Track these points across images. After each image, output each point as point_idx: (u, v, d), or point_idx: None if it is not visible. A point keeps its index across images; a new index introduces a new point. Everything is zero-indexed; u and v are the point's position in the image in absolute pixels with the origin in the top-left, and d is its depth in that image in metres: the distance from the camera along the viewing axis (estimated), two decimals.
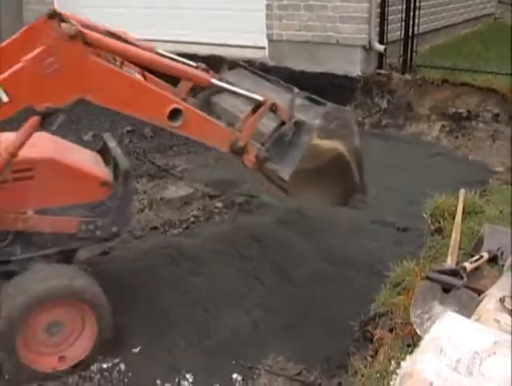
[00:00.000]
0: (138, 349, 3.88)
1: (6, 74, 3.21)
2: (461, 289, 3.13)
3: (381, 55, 8.09)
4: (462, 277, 3.18)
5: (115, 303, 3.85)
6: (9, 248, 3.67)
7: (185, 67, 3.77)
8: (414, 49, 8.11)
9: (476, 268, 3.43)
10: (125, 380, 3.64)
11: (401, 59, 8.07)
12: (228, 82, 4.09)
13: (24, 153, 3.39)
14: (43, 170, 3.63)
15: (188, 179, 6.39)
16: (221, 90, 4.04)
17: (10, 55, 3.65)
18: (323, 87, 8.06)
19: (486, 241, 3.75)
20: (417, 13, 7.99)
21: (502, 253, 3.61)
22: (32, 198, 3.61)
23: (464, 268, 3.31)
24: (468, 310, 2.91)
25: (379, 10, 7.90)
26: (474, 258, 3.50)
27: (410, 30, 8.02)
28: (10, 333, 3.43)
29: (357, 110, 8.04)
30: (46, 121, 3.37)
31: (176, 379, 3.60)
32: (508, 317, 2.66)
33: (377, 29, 7.96)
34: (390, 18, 8.01)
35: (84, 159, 4.11)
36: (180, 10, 9.83)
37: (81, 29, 3.27)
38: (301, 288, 4.47)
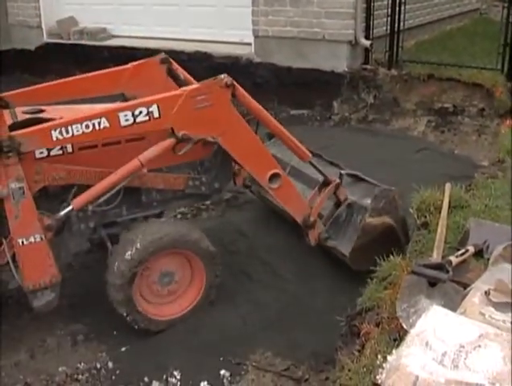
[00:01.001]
0: (125, 347, 3.88)
1: (165, 95, 3.72)
2: (447, 283, 3.14)
3: (367, 51, 8.10)
4: (448, 271, 3.19)
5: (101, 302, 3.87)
6: (116, 210, 3.99)
7: (293, 138, 4.27)
8: (400, 44, 8.12)
9: (462, 262, 3.44)
10: (113, 378, 3.64)
11: (387, 54, 8.09)
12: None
13: None
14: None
15: None
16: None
17: (123, 80, 4.52)
18: (309, 83, 8.10)
19: (472, 235, 3.77)
20: (403, 8, 8.00)
21: (488, 247, 3.63)
22: None
23: (450, 262, 3.32)
24: (453, 303, 2.92)
25: (365, 5, 7.92)
26: (460, 252, 3.51)
27: (396, 25, 8.03)
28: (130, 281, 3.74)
29: (344, 106, 8.05)
30: (178, 145, 3.76)
31: (164, 376, 3.60)
32: (493, 310, 2.67)
33: (363, 24, 7.97)
34: (375, 13, 8.02)
35: None
36: (166, 6, 9.83)
37: (234, 83, 3.80)
38: (288, 283, 4.48)
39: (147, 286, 3.92)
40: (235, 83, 3.81)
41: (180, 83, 4.29)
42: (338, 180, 4.32)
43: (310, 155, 4.28)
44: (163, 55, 4.60)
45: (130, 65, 4.62)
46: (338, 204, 4.41)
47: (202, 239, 3.97)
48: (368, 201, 4.25)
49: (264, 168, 4.04)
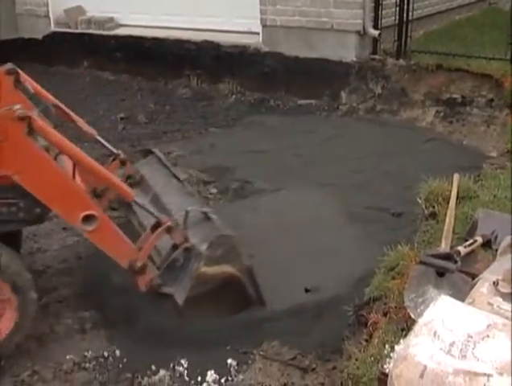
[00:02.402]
0: (133, 336, 3.89)
1: None
2: (455, 273, 3.14)
3: (375, 41, 8.07)
4: (456, 261, 3.19)
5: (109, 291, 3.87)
6: None
7: (111, 177, 3.79)
8: (409, 34, 8.08)
9: (470, 253, 3.44)
10: (120, 366, 3.65)
11: (395, 44, 8.04)
12: (141, 177, 4.55)
13: None
14: None
15: (183, 165, 6.36)
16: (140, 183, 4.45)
17: None
18: (317, 72, 8.08)
19: (480, 226, 3.77)
20: None
21: (496, 237, 3.63)
22: None
23: (458, 253, 3.32)
24: (461, 293, 2.91)
25: None
26: (468, 242, 3.51)
27: (405, 15, 7.98)
28: None
29: (352, 96, 8.03)
30: None
31: (171, 365, 3.60)
32: (501, 300, 2.67)
33: (372, 14, 7.93)
34: (384, 3, 7.98)
35: None
36: None
37: (30, 114, 3.38)
38: (296, 273, 4.48)
39: None
40: (31, 113, 3.44)
41: (29, 95, 4.04)
42: (170, 223, 3.80)
43: (133, 195, 3.80)
44: (9, 66, 4.10)
45: None
46: (176, 247, 3.88)
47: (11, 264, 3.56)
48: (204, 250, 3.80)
49: (74, 209, 3.56)
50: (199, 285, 3.75)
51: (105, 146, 4.51)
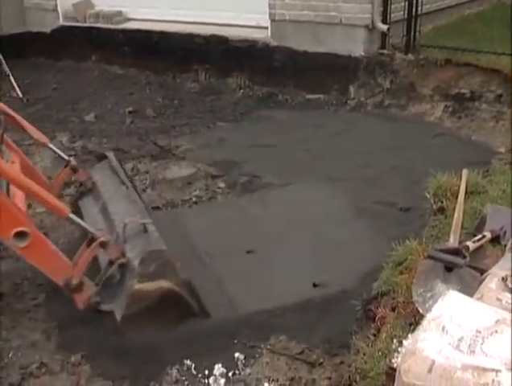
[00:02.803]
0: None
1: None
2: (464, 268, 3.13)
3: (384, 35, 8.03)
4: (465, 256, 3.18)
5: None
6: None
7: (45, 195, 3.70)
8: (418, 29, 8.04)
9: (479, 248, 3.43)
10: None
11: (404, 39, 8.01)
12: (94, 184, 4.59)
13: None
14: None
15: (191, 159, 6.38)
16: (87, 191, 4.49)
17: None
18: (325, 67, 8.06)
19: (489, 221, 3.76)
20: None
21: (505, 233, 3.62)
22: None
23: (467, 248, 3.31)
24: (470, 288, 2.91)
25: None
26: (477, 237, 3.50)
27: (414, 9, 7.94)
28: None
29: (360, 90, 8.01)
30: None
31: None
32: (510, 295, 2.66)
33: (381, 8, 7.89)
34: None
35: None
36: None
37: None
38: (303, 267, 4.48)
39: None
40: None
41: None
42: (103, 238, 3.71)
43: (67, 212, 3.73)
44: None
45: None
46: (112, 263, 3.77)
47: None
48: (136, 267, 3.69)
49: (6, 225, 3.51)
50: (136, 302, 3.64)
51: (56, 153, 4.53)
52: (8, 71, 7.42)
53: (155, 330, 3.69)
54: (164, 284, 3.67)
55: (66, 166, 4.59)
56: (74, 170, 4.62)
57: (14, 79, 7.36)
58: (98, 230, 3.87)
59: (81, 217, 4.21)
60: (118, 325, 3.65)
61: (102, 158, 4.97)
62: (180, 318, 3.76)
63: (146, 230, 3.89)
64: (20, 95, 7.34)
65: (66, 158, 4.61)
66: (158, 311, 3.67)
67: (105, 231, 3.97)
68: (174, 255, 3.74)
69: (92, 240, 3.69)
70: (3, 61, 7.41)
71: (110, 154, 4.98)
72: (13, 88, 7.34)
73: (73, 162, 4.63)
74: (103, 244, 3.69)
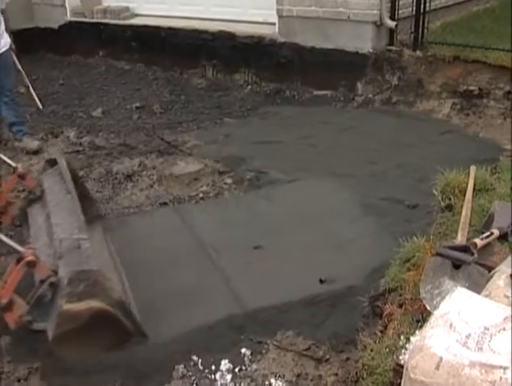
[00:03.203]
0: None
1: None
2: (472, 265, 3.13)
3: (392, 32, 8.01)
4: (472, 253, 3.18)
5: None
6: None
7: None
8: (426, 26, 8.01)
9: (487, 245, 3.42)
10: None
11: (412, 35, 7.98)
12: (43, 192, 4.46)
13: None
14: None
15: (198, 155, 6.38)
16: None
17: None
18: (333, 63, 8.05)
19: (497, 218, 3.75)
20: None
21: None
22: None
23: (475, 245, 3.31)
24: (478, 285, 2.91)
25: None
26: (485, 235, 3.49)
27: (422, 6, 7.91)
28: None
29: (368, 87, 7.99)
30: None
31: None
32: None
33: (389, 5, 7.87)
34: None
35: None
36: None
37: None
38: (310, 263, 4.48)
39: None
40: None
41: None
42: (30, 257, 3.53)
43: None
44: None
45: None
46: (42, 281, 3.60)
47: None
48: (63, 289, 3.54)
49: None
50: (66, 322, 3.51)
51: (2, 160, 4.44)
52: (28, 83, 7.44)
53: (90, 351, 3.60)
54: (94, 304, 3.53)
55: (13, 173, 4.51)
56: (22, 177, 4.53)
57: (34, 90, 7.38)
58: (29, 248, 3.72)
59: (28, 226, 4.17)
60: (51, 345, 3.52)
61: (54, 163, 4.79)
62: (115, 338, 3.64)
63: (79, 247, 3.79)
64: (40, 106, 7.35)
65: (13, 164, 4.53)
66: (92, 331, 3.54)
67: (38, 247, 3.83)
68: (104, 274, 3.59)
69: (21, 258, 3.55)
70: (24, 74, 7.44)
71: (61, 160, 4.79)
72: (33, 99, 7.36)
73: (20, 169, 4.53)
74: (30, 264, 3.54)
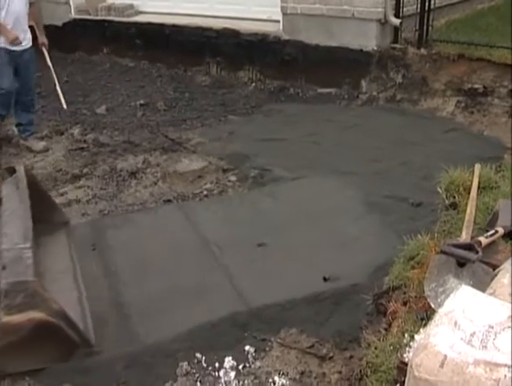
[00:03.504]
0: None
1: None
2: (476, 263, 3.12)
3: (396, 30, 8.00)
4: (477, 252, 3.17)
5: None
6: None
7: None
8: (430, 23, 7.99)
9: (491, 243, 3.42)
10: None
11: (417, 33, 7.97)
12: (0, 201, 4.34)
13: None
14: None
15: (202, 153, 6.39)
16: None
17: None
18: (337, 61, 8.04)
19: (501, 216, 3.74)
20: None
21: None
22: None
23: (479, 243, 3.30)
24: (482, 284, 2.90)
25: None
26: (489, 233, 3.48)
27: (427, 4, 7.90)
28: None
29: (372, 85, 7.98)
30: None
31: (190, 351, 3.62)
32: None
33: (393, 2, 7.85)
34: None
35: None
36: None
37: None
38: (314, 261, 4.48)
39: None
40: None
41: None
42: None
43: None
44: None
45: None
46: None
47: None
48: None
49: None
50: (7, 335, 3.46)
51: None
52: (56, 82, 7.44)
53: (34, 363, 3.54)
54: (35, 315, 3.47)
55: None
56: None
57: (61, 89, 7.39)
58: None
59: None
60: None
61: (14, 171, 4.70)
62: (60, 349, 3.59)
63: (21, 257, 3.70)
64: (65, 106, 7.36)
65: None
66: (35, 343, 3.49)
67: None
68: (42, 285, 3.53)
69: None
70: (53, 72, 7.42)
71: (20, 168, 4.70)
72: (58, 99, 7.37)
73: None
74: None
